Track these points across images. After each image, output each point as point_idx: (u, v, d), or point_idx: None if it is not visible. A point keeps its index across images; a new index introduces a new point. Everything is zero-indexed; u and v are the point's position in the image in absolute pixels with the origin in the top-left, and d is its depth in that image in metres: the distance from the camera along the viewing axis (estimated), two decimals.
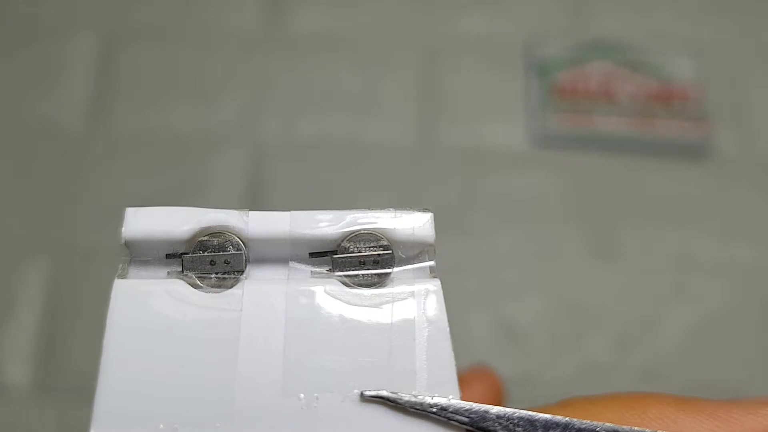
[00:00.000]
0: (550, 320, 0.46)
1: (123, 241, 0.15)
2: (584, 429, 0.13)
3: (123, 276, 0.15)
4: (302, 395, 0.13)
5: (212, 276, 0.15)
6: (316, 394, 0.13)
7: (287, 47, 0.54)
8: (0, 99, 0.52)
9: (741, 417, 0.15)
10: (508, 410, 0.13)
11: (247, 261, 0.15)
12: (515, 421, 0.13)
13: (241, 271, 0.15)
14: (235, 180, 0.50)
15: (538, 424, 0.13)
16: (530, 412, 0.14)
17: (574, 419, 0.13)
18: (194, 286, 0.14)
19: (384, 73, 0.54)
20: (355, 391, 0.14)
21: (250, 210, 0.15)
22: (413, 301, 0.14)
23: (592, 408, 0.15)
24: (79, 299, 0.46)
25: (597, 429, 0.13)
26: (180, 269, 0.15)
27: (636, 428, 0.13)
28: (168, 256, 0.15)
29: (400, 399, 0.13)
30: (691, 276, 0.48)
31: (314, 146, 0.51)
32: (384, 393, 0.13)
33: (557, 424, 0.13)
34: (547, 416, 0.13)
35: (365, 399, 0.13)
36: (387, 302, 0.14)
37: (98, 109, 0.52)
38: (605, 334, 0.46)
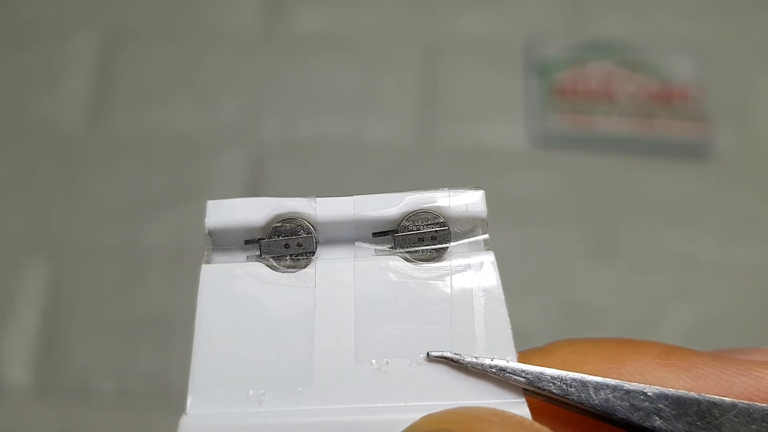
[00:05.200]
0: (550, 320, 0.46)
1: (207, 230, 0.16)
2: (633, 390, 0.14)
3: (208, 261, 0.16)
4: (374, 361, 0.15)
5: (287, 258, 0.16)
6: (386, 360, 0.15)
7: (287, 47, 0.54)
8: (0, 99, 0.52)
9: (730, 377, 0.14)
10: (562, 372, 0.14)
11: (317, 243, 0.16)
12: (568, 382, 0.14)
13: (313, 252, 0.16)
14: (235, 180, 0.50)
15: (589, 385, 0.14)
16: (582, 375, 0.14)
17: (624, 382, 0.14)
18: (272, 267, 0.16)
19: (384, 73, 0.54)
20: (421, 355, 0.15)
21: (317, 197, 0.17)
22: (470, 273, 0.16)
23: (572, 357, 0.15)
24: (79, 299, 0.46)
25: (645, 391, 0.14)
26: (258, 253, 0.16)
27: (681, 391, 0.14)
28: (246, 242, 0.16)
29: (463, 360, 0.15)
30: (691, 276, 0.48)
31: (314, 146, 0.51)
32: (448, 354, 0.15)
33: (607, 386, 0.14)
34: (599, 378, 0.14)
35: (431, 359, 0.15)
36: (446, 274, 0.16)
37: (98, 109, 0.52)
38: (605, 334, 0.46)
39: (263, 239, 0.16)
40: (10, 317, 0.45)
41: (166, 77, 0.53)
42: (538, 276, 0.48)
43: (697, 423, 0.14)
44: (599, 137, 0.52)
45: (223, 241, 0.16)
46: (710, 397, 0.14)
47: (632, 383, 0.14)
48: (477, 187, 0.16)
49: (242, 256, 0.16)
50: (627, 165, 0.51)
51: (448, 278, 0.16)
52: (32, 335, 0.45)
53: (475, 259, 0.16)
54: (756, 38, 0.56)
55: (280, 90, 0.53)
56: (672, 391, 0.14)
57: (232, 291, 0.16)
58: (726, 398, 0.14)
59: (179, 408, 0.14)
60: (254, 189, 0.49)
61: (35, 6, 0.55)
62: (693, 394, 0.14)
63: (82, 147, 0.50)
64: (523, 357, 0.15)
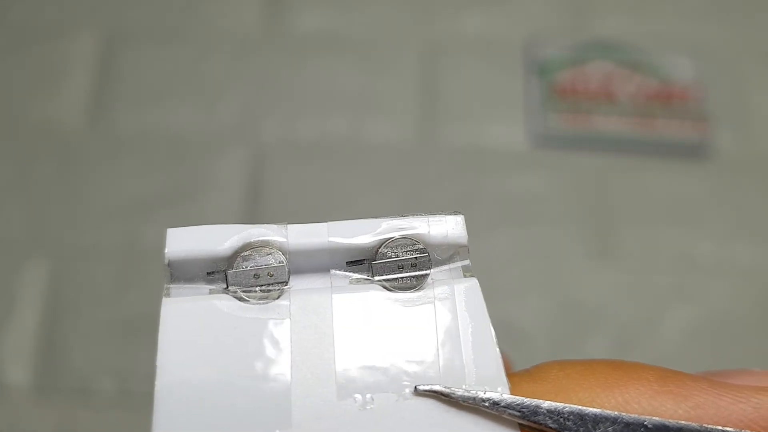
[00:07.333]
0: (550, 320, 0.46)
1: (166, 261, 0.15)
2: (632, 423, 0.13)
3: (168, 295, 0.15)
4: (357, 396, 0.14)
5: (257, 289, 0.15)
6: (370, 395, 0.14)
7: (287, 47, 0.54)
8: (0, 99, 0.52)
9: (729, 405, 0.14)
10: (559, 405, 0.14)
11: (289, 272, 0.15)
12: (565, 416, 0.14)
13: (285, 282, 0.15)
14: (235, 180, 0.50)
15: (587, 419, 0.14)
16: (580, 407, 0.14)
17: (623, 414, 0.14)
18: (240, 300, 0.15)
19: (384, 73, 0.54)
20: (408, 389, 0.14)
21: (288, 224, 0.15)
22: (454, 300, 0.15)
23: (566, 382, 0.14)
24: (79, 299, 0.46)
25: (645, 422, 0.13)
26: (224, 285, 0.15)
27: (681, 422, 0.13)
28: (209, 273, 0.15)
29: (454, 393, 0.14)
30: (691, 276, 0.48)
31: (314, 146, 0.51)
32: (437, 387, 0.14)
33: (606, 419, 0.14)
34: (597, 410, 0.14)
35: (419, 393, 0.14)
36: (429, 303, 0.15)
37: (98, 109, 0.52)
38: (605, 334, 0.46)
39: (229, 269, 0.15)
40: (10, 317, 0.45)
41: (166, 77, 0.53)
42: (538, 276, 0.48)
43: None
44: (599, 137, 0.52)
45: (183, 273, 0.15)
46: (711, 428, 0.13)
47: (631, 415, 0.13)
48: (456, 212, 0.16)
49: (205, 288, 0.15)
50: (627, 165, 0.51)
51: (432, 307, 0.15)
52: (32, 335, 0.45)
53: (458, 286, 0.15)
54: (756, 39, 0.56)
55: (280, 90, 0.53)
56: (672, 422, 0.13)
57: (199, 326, 0.14)
58: (728, 428, 0.13)
59: None
60: (254, 189, 0.49)
61: (35, 6, 0.55)
62: (694, 425, 0.13)
63: (82, 147, 0.50)
64: (512, 382, 0.14)
